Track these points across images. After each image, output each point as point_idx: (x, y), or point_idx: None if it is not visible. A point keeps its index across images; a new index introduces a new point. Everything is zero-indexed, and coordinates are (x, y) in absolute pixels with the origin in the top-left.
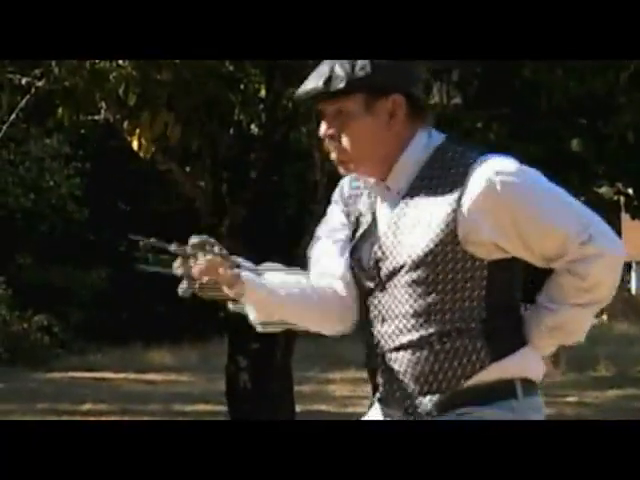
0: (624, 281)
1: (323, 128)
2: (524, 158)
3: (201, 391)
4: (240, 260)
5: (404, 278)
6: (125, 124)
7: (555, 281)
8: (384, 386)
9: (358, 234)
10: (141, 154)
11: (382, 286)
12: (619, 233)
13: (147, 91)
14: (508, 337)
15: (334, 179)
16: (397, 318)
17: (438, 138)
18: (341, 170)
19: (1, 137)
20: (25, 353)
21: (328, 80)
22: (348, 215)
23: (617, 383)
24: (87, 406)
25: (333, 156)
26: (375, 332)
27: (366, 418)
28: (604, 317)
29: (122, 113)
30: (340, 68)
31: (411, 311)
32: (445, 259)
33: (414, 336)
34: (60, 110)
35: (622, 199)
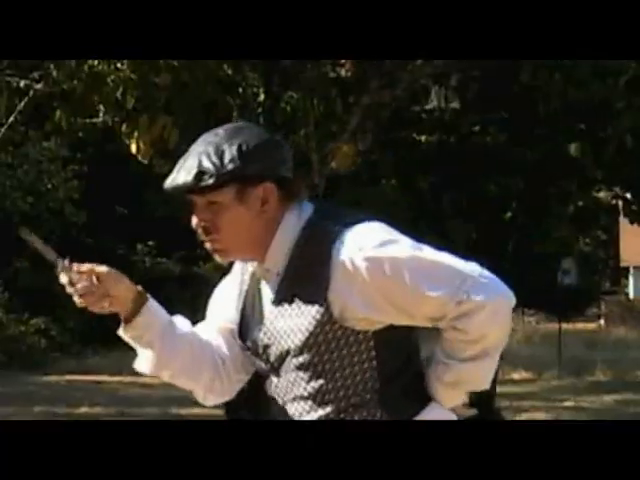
0: (621, 286)
1: (195, 220)
2: (522, 163)
3: None
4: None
5: (292, 363)
6: (123, 127)
7: (444, 338)
8: None
9: (244, 319)
10: (139, 157)
11: (275, 370)
12: (617, 237)
13: (145, 94)
14: (408, 399)
15: (332, 183)
16: (295, 401)
17: (307, 213)
18: (217, 258)
19: None
20: (22, 356)
21: (197, 175)
22: (240, 292)
23: (614, 388)
24: (84, 409)
25: (207, 246)
26: (277, 415)
27: None
28: (601, 322)
29: (120, 116)
30: (208, 162)
31: (305, 394)
32: (326, 339)
33: (313, 417)
34: (58, 113)
35: (620, 203)
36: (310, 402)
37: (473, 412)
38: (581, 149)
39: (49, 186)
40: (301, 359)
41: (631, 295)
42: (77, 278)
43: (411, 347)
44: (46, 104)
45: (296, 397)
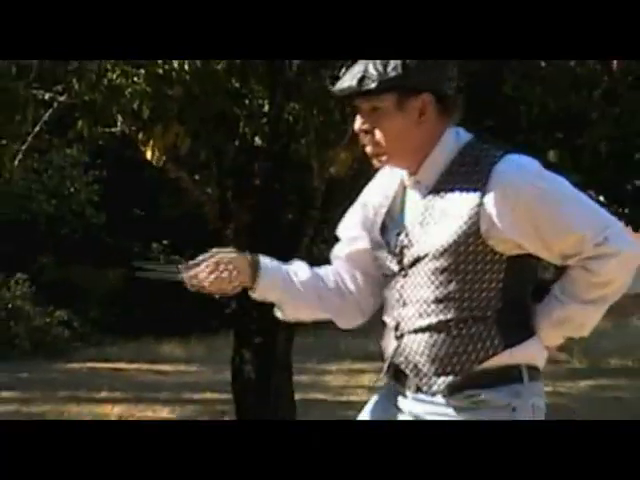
0: None
1: (358, 123)
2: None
3: (208, 381)
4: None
5: (427, 266)
6: (139, 135)
7: (570, 275)
8: (400, 365)
9: (387, 220)
10: (154, 163)
11: (405, 272)
12: None
13: (159, 105)
14: (519, 327)
15: (331, 187)
16: (418, 302)
17: (466, 136)
18: (375, 162)
19: (26, 148)
20: (47, 345)
21: (361, 80)
22: (380, 204)
23: (589, 374)
24: (103, 394)
25: (368, 149)
26: (396, 314)
27: (375, 397)
28: None
29: (136, 125)
30: (373, 68)
31: (432, 297)
32: (467, 251)
33: (433, 320)
34: (80, 123)
35: None
36: (434, 306)
37: (564, 356)
38: (559, 156)
39: (71, 190)
40: (437, 263)
41: None
42: (202, 274)
43: (533, 282)
44: (69, 114)
45: (421, 299)
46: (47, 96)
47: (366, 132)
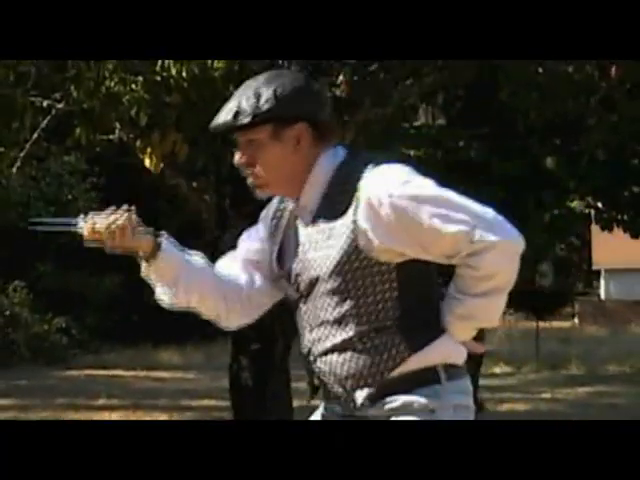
0: (594, 288)
1: (237, 156)
2: (503, 174)
3: (206, 388)
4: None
5: (321, 289)
6: (137, 143)
7: (457, 274)
8: (323, 386)
9: (281, 251)
10: (152, 170)
11: (305, 297)
12: (589, 243)
13: (157, 113)
14: (424, 329)
15: None
16: (322, 325)
17: (342, 155)
18: (257, 192)
19: (24, 155)
20: (45, 352)
21: (236, 115)
22: (273, 232)
23: (587, 381)
24: (101, 401)
25: (249, 181)
26: (306, 340)
27: (313, 417)
28: (575, 320)
29: (135, 133)
30: (246, 103)
31: (331, 318)
32: (352, 267)
33: (337, 340)
34: (78, 130)
35: (592, 212)
36: (336, 326)
37: (483, 348)
38: (557, 162)
39: (69, 197)
40: (329, 285)
41: (602, 296)
42: (102, 222)
43: (430, 283)
44: (67, 122)
45: (323, 322)
46: (45, 103)
47: (246, 164)
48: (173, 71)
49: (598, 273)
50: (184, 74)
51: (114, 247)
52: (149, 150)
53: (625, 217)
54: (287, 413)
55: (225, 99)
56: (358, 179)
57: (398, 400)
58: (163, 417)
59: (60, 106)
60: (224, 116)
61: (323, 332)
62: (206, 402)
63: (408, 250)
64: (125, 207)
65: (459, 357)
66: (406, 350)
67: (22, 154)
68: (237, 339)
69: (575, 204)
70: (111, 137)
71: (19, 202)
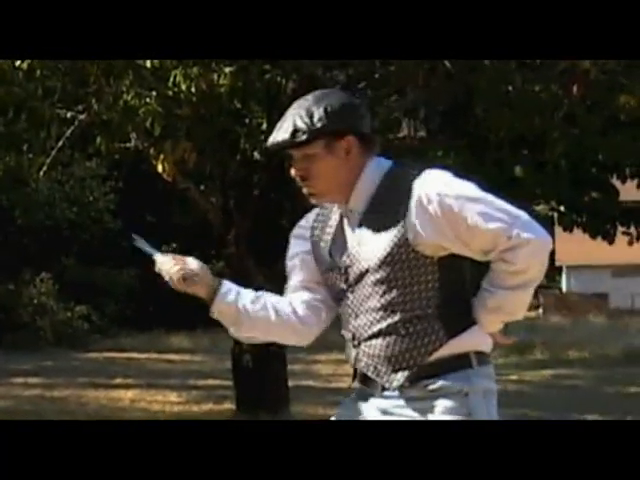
0: (556, 282)
1: (293, 170)
2: (477, 181)
3: (211, 369)
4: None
5: (369, 279)
6: (151, 151)
7: (492, 268)
8: (363, 369)
9: (330, 248)
10: (164, 175)
11: (352, 288)
12: (552, 242)
13: (170, 124)
14: (460, 318)
15: None
16: (367, 312)
17: (386, 163)
18: (312, 200)
19: (50, 161)
20: (68, 337)
21: (293, 133)
22: (319, 235)
23: (550, 365)
24: (118, 380)
25: (305, 190)
26: (350, 326)
27: (344, 401)
28: (540, 311)
29: (149, 142)
30: (301, 122)
31: (378, 305)
32: (400, 259)
33: (383, 325)
34: (99, 139)
35: (555, 215)
36: (381, 312)
37: (511, 340)
38: (524, 171)
39: (91, 198)
40: (377, 275)
41: (564, 289)
42: (168, 264)
43: (464, 278)
44: (88, 131)
45: (369, 309)
46: (69, 115)
47: (301, 177)
48: (183, 87)
49: (560, 269)
50: (193, 89)
51: (175, 289)
52: (162, 157)
53: (584, 219)
54: (284, 392)
55: (229, 112)
56: (407, 181)
57: (437, 383)
58: (173, 395)
59: (82, 117)
60: (282, 135)
61: (369, 318)
62: (211, 382)
63: (451, 245)
64: (192, 259)
65: (488, 345)
66: (444, 336)
67: (49, 160)
68: None
69: (540, 208)
70: (128, 145)
71: (46, 202)
